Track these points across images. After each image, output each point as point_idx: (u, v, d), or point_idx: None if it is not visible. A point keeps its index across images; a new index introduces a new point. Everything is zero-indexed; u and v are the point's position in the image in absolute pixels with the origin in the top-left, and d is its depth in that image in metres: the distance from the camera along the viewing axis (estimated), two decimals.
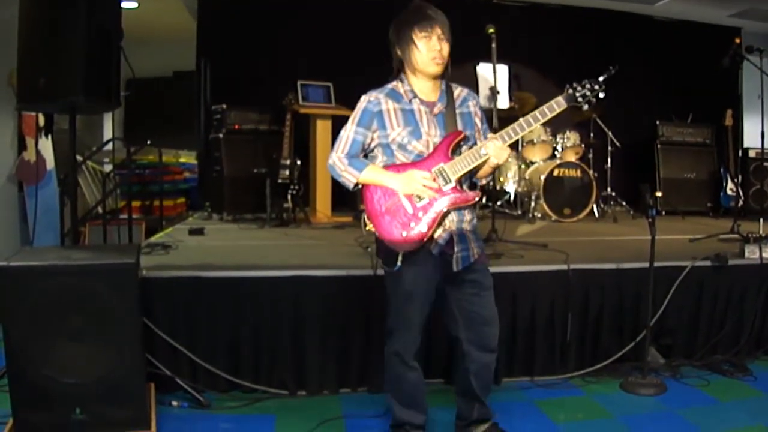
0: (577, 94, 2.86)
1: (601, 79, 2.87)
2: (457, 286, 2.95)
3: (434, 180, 2.79)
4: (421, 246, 2.81)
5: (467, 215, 2.92)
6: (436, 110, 2.89)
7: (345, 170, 2.86)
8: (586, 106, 2.87)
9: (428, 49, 2.80)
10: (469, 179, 2.94)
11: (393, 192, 2.81)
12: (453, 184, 2.81)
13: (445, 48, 2.83)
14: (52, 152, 6.68)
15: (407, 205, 2.80)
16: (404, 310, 2.92)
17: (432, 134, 2.86)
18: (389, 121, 2.85)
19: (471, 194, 2.85)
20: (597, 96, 2.87)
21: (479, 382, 3.02)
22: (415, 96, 2.88)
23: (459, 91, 3.00)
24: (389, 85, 2.93)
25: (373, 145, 2.91)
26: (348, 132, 2.90)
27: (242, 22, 7.93)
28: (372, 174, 2.84)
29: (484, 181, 3.03)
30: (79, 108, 3.76)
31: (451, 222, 2.86)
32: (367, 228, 2.86)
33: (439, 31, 2.80)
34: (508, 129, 2.83)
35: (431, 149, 2.85)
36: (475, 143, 2.92)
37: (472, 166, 2.82)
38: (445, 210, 2.80)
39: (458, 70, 2.96)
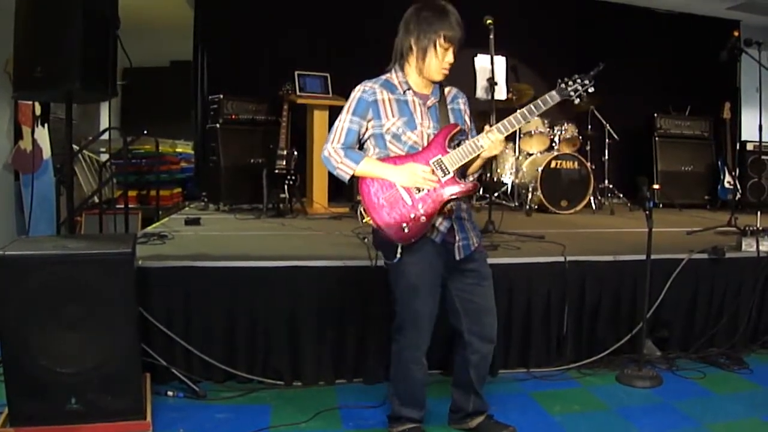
0: (569, 89, 2.88)
1: (591, 73, 2.89)
2: (457, 277, 2.95)
3: (433, 172, 2.79)
4: (421, 237, 2.81)
5: (463, 204, 2.94)
6: (429, 103, 2.91)
7: (341, 162, 2.84)
8: (577, 100, 2.91)
9: (443, 60, 2.82)
10: (463, 172, 2.95)
11: (390, 184, 2.80)
12: (451, 175, 2.81)
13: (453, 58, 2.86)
14: (48, 141, 6.67)
15: (406, 196, 2.79)
16: (412, 305, 2.89)
17: (426, 126, 2.87)
18: (384, 110, 2.85)
19: (470, 185, 2.85)
20: (587, 90, 2.89)
21: (478, 373, 3.03)
22: (410, 88, 2.89)
23: (449, 89, 3.02)
24: (383, 76, 2.94)
25: (366, 137, 2.90)
26: (342, 122, 2.88)
27: (240, 12, 7.90)
28: (369, 166, 2.83)
29: (473, 176, 3.02)
30: (75, 97, 3.74)
31: (449, 210, 2.86)
32: (364, 221, 2.85)
33: (457, 45, 2.82)
34: (504, 122, 2.84)
35: (425, 141, 2.86)
36: (467, 138, 2.93)
37: (470, 157, 2.83)
38: (444, 200, 2.80)
39: (455, 61, 2.95)
